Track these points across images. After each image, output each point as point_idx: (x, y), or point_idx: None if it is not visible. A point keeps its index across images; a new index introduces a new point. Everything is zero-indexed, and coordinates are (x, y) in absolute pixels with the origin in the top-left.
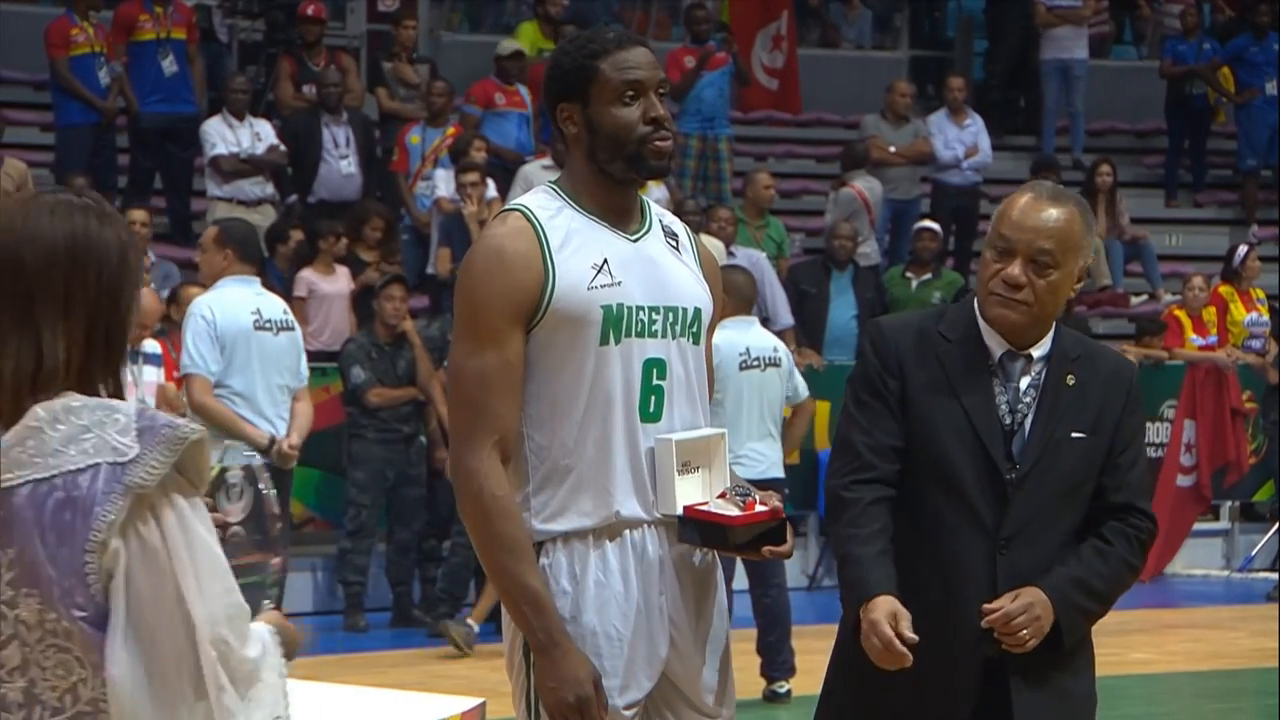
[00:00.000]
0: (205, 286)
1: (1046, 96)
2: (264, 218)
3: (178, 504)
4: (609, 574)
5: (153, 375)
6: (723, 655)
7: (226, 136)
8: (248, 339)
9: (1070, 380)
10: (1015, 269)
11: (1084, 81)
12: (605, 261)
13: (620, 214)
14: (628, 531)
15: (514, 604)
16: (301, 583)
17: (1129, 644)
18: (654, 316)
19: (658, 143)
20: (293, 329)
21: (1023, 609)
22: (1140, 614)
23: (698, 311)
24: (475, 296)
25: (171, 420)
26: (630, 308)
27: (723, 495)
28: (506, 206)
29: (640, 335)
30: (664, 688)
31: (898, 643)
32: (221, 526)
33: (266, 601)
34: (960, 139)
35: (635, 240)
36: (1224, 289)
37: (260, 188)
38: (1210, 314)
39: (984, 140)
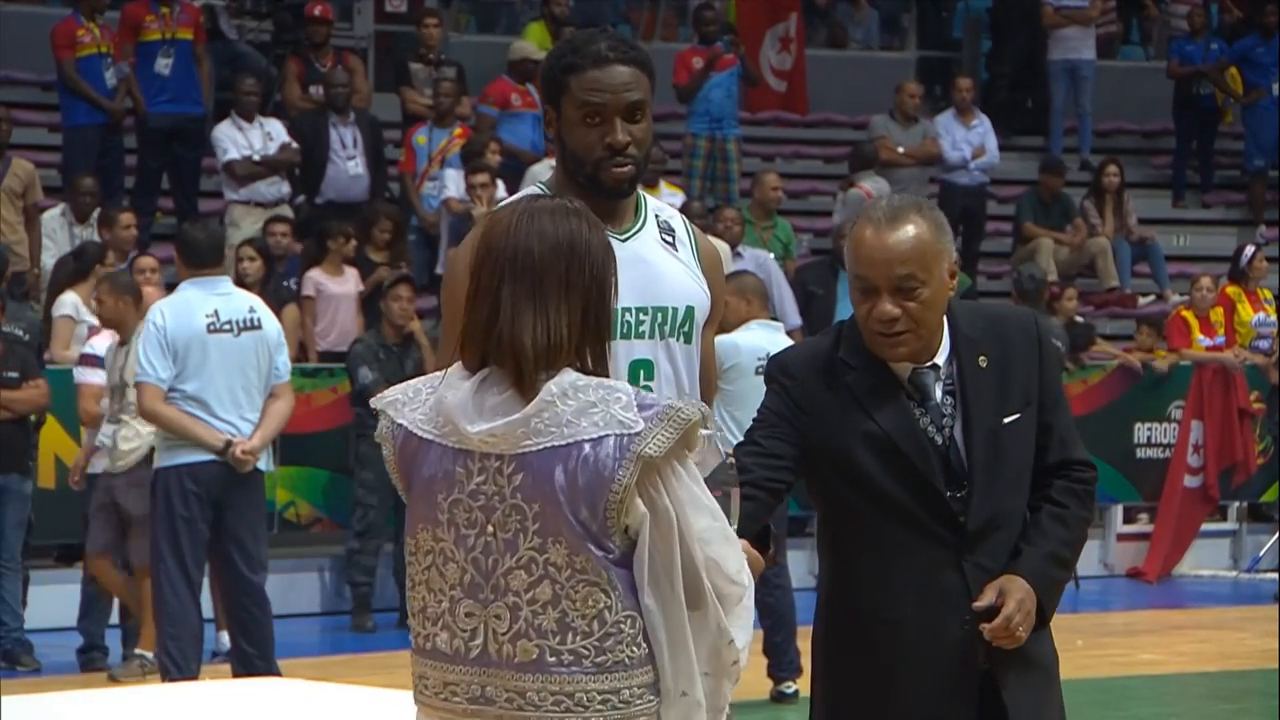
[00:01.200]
0: None
1: (1054, 97)
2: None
3: (677, 468)
4: None
5: None
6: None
7: (238, 140)
8: (201, 342)
9: (982, 362)
10: (886, 305)
11: (1091, 82)
12: None
13: (608, 214)
14: None
15: None
16: (309, 583)
17: (1137, 645)
18: (641, 318)
19: (614, 169)
20: (258, 328)
21: (1016, 607)
22: (1148, 615)
23: (689, 310)
24: (459, 297)
25: (671, 402)
26: (617, 310)
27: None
28: (497, 208)
29: (627, 337)
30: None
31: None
32: None
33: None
34: (968, 140)
35: (625, 239)
36: (1231, 289)
37: (276, 188)
38: (1218, 314)
39: (991, 141)
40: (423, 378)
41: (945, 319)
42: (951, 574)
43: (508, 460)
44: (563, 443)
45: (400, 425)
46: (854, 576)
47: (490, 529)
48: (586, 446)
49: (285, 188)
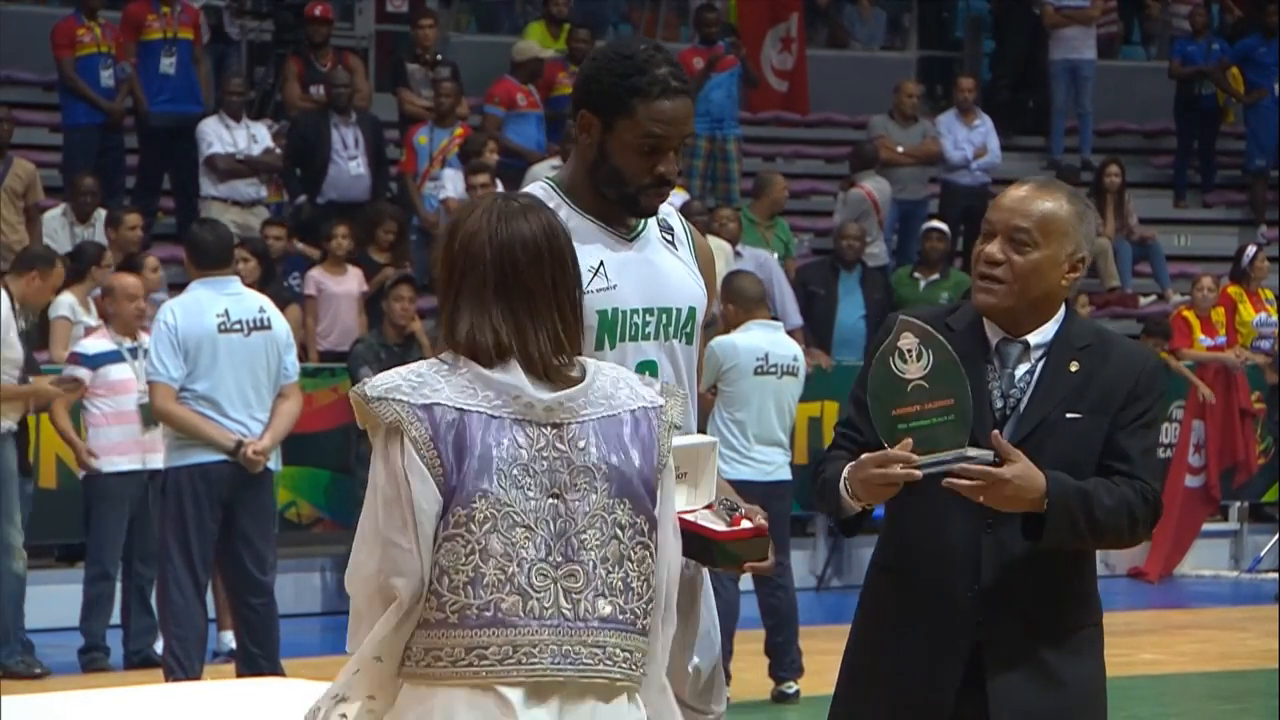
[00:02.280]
0: None
1: (1055, 97)
2: (258, 219)
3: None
4: None
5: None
6: (713, 653)
7: (223, 136)
8: (212, 342)
9: (1074, 367)
10: (994, 246)
11: (1092, 82)
12: (601, 264)
13: (613, 214)
14: None
15: None
16: (311, 583)
17: (1138, 644)
18: (648, 319)
19: (655, 198)
20: (268, 328)
21: (1011, 474)
22: (1149, 615)
23: (692, 311)
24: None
25: (667, 382)
26: (625, 311)
27: (709, 507)
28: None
29: (634, 339)
30: None
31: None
32: (904, 381)
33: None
34: (969, 139)
35: (631, 241)
36: (1232, 289)
37: (255, 189)
38: (1219, 314)
39: (993, 141)
40: (406, 367)
41: (1061, 312)
42: (970, 542)
43: (569, 427)
44: (612, 412)
45: (433, 405)
46: (889, 528)
47: (560, 492)
48: (631, 415)
49: (264, 190)
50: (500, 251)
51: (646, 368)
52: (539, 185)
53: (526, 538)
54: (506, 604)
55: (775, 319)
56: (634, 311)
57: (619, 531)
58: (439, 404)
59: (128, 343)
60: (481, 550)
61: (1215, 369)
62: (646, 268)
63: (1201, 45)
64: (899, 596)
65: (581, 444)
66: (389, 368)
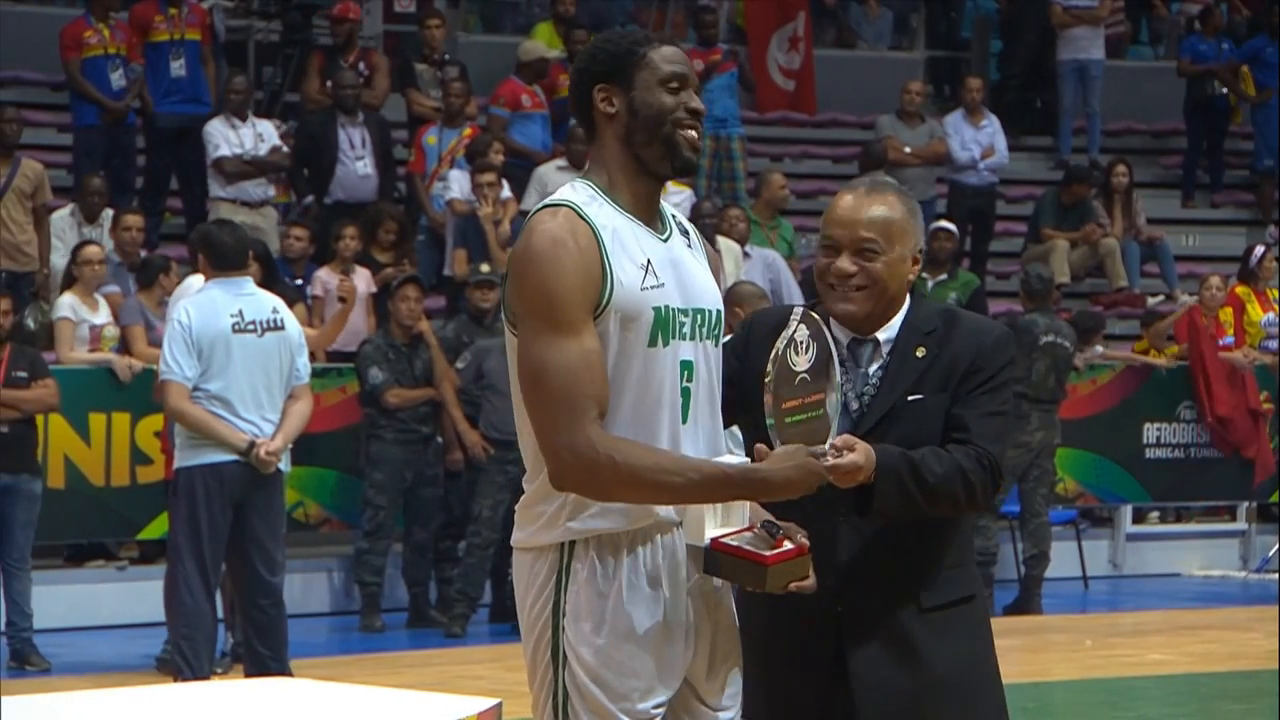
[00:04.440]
0: None
1: (1063, 97)
2: (266, 219)
3: None
4: (639, 576)
5: None
6: (736, 652)
7: (229, 137)
8: (226, 342)
9: (920, 353)
10: (844, 262)
11: (1100, 82)
12: (649, 262)
13: (650, 212)
14: (659, 533)
15: (712, 496)
16: (318, 583)
17: (1146, 645)
18: (682, 319)
19: (690, 131)
20: (281, 328)
21: (859, 454)
22: (1157, 615)
23: (719, 313)
24: (550, 286)
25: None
26: (674, 309)
27: (751, 529)
28: (548, 202)
29: (679, 338)
30: (680, 687)
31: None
32: (794, 374)
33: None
34: (976, 140)
35: (665, 241)
36: (1240, 289)
37: (263, 189)
38: (1227, 314)
39: (1000, 141)
40: None
41: (906, 303)
42: (825, 532)
43: None
44: None
45: None
46: None
47: None
48: None
49: (271, 190)
50: None
51: (686, 368)
52: (578, 186)
53: None
54: None
55: None
56: (673, 310)
57: None
58: None
59: None
60: None
61: (1226, 368)
62: (679, 268)
63: (1211, 45)
64: (766, 597)
65: None
66: (397, 368)
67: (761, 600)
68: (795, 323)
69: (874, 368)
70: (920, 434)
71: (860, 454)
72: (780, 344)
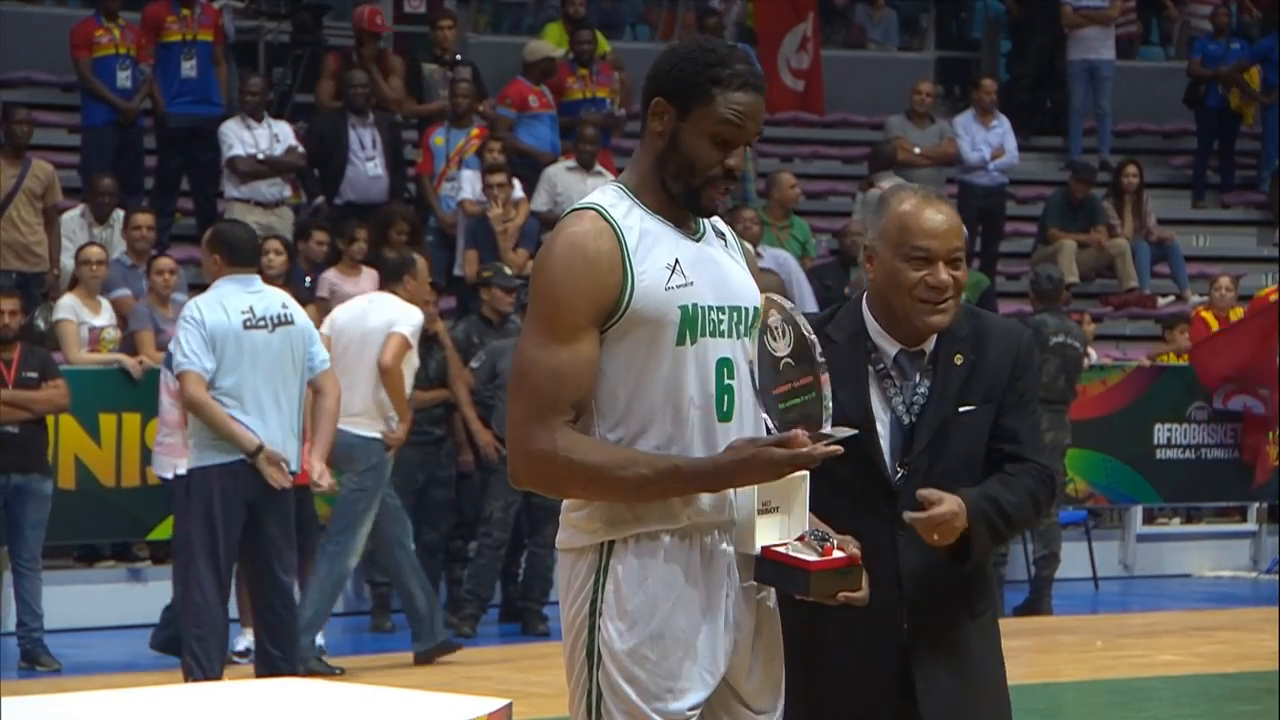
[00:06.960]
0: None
1: (1073, 97)
2: (281, 220)
3: None
4: (677, 576)
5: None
6: (779, 655)
7: (244, 138)
8: (238, 339)
9: (958, 360)
10: (942, 274)
11: (1111, 82)
12: (677, 262)
13: (681, 213)
14: (697, 533)
15: (666, 491)
16: None
17: (1156, 646)
18: (720, 317)
19: (721, 194)
20: (291, 323)
21: (949, 507)
22: (1167, 616)
23: (756, 311)
24: (556, 294)
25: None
26: (703, 307)
27: (801, 539)
28: (579, 205)
29: (713, 335)
30: (720, 688)
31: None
32: (776, 359)
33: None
34: (987, 140)
35: (697, 241)
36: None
37: (277, 189)
38: (1237, 315)
39: (1010, 141)
40: None
41: None
42: (885, 547)
43: None
44: None
45: None
46: None
47: None
48: None
49: (286, 190)
50: None
51: (725, 365)
52: (609, 189)
53: None
54: None
55: None
56: (711, 308)
57: None
58: None
59: None
60: None
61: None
62: (714, 267)
63: (1221, 45)
64: (824, 612)
65: None
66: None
67: (823, 617)
68: (764, 309)
69: (919, 377)
70: (971, 447)
71: (952, 502)
72: (755, 332)
